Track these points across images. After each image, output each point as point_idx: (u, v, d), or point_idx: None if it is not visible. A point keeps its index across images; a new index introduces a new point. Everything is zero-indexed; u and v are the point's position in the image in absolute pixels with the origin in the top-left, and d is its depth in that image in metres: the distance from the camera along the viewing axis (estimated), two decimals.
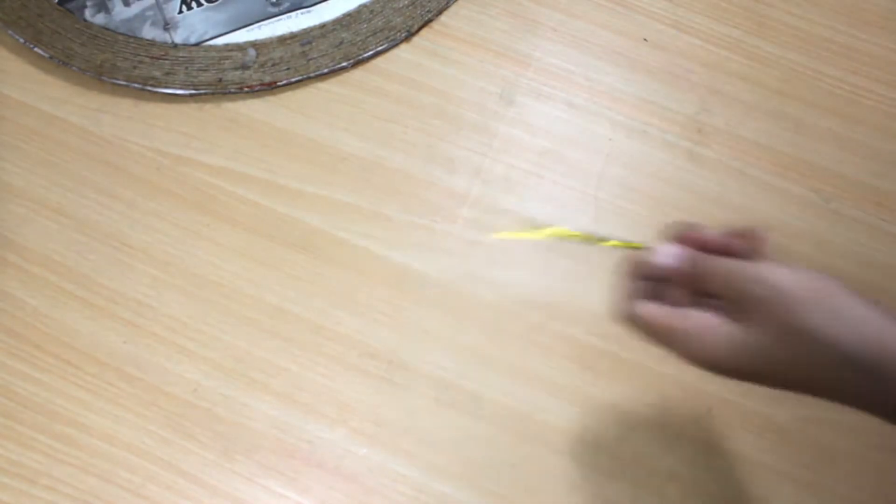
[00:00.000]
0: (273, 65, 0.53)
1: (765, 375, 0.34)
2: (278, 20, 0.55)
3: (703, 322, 0.35)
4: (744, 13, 0.57)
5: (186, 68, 0.53)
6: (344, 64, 0.53)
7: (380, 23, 0.55)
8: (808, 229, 0.51)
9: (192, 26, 0.54)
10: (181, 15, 0.54)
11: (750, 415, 0.47)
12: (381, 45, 0.54)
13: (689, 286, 0.37)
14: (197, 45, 0.54)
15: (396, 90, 0.53)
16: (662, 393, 0.47)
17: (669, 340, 0.36)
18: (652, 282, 0.39)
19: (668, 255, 0.39)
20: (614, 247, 0.43)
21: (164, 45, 0.53)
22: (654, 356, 0.48)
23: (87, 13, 0.54)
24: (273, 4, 0.55)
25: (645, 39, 0.56)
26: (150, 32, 0.54)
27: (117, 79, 0.52)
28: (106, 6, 0.54)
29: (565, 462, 0.45)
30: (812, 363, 0.32)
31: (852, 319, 0.32)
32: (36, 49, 0.53)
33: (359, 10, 0.55)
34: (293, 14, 0.55)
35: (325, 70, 0.53)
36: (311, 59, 0.53)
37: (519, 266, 0.49)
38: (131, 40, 0.53)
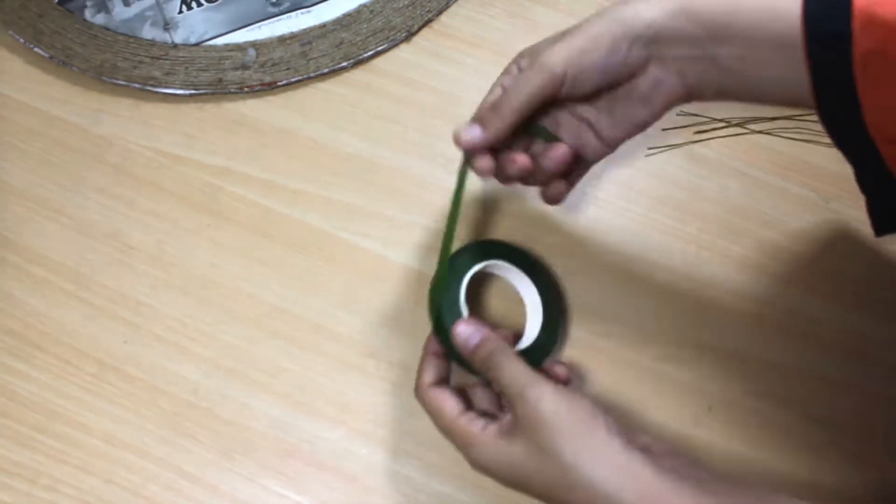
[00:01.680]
0: (273, 65, 0.53)
1: (531, 492, 0.36)
2: (278, 20, 0.55)
3: (481, 434, 0.37)
4: None
5: (186, 68, 0.53)
6: (344, 64, 0.53)
7: (380, 23, 0.55)
8: (808, 229, 0.51)
9: (192, 26, 0.54)
10: (181, 15, 0.54)
11: (750, 414, 0.47)
12: (381, 45, 0.54)
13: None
14: (197, 45, 0.54)
15: (396, 90, 0.53)
16: (662, 392, 0.47)
17: (450, 437, 0.39)
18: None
19: (465, 335, 0.41)
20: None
21: (164, 45, 0.53)
22: (655, 356, 0.48)
23: (87, 13, 0.54)
24: (273, 4, 0.55)
25: None
26: (150, 32, 0.54)
27: (117, 79, 0.52)
28: (106, 6, 0.54)
29: None
30: (564, 487, 0.35)
31: (601, 455, 0.35)
32: (36, 49, 0.53)
33: (359, 10, 0.55)
34: (293, 14, 0.55)
35: (325, 70, 0.53)
36: (311, 59, 0.53)
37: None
38: (131, 40, 0.54)
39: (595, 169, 0.52)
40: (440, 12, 0.55)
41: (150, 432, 0.45)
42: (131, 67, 0.53)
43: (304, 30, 0.54)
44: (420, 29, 0.55)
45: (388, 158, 0.52)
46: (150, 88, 0.52)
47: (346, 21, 0.55)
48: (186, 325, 0.47)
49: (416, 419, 0.46)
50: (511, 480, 0.36)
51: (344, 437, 0.46)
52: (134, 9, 0.54)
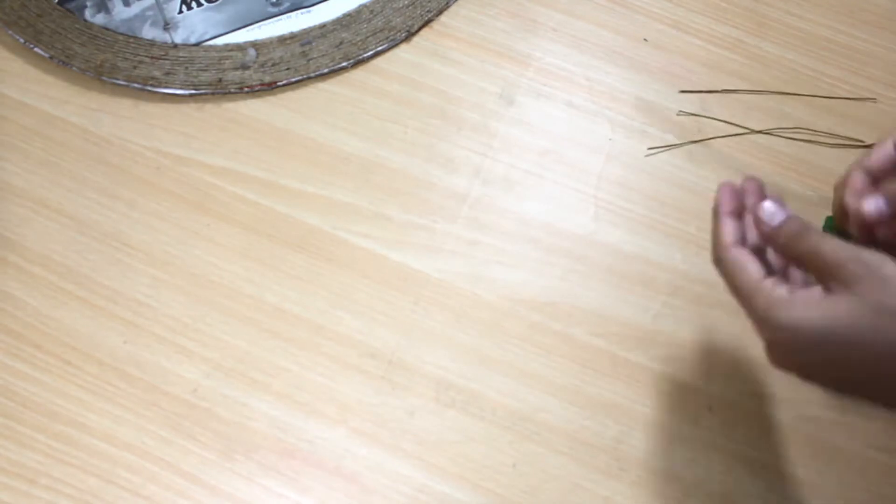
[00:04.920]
0: (273, 65, 0.53)
1: (850, 358, 0.34)
2: (278, 20, 0.55)
3: (790, 295, 0.35)
4: (744, 13, 0.57)
5: (186, 68, 0.53)
6: (344, 64, 0.53)
7: (380, 23, 0.55)
8: None
9: (192, 26, 0.54)
10: (181, 15, 0.54)
11: (750, 414, 0.47)
12: (381, 45, 0.54)
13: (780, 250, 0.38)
14: (197, 45, 0.54)
15: (396, 90, 0.53)
16: (662, 393, 0.47)
17: (750, 299, 0.37)
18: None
19: (770, 210, 0.38)
20: None
21: (164, 45, 0.53)
22: (654, 356, 0.48)
23: (87, 13, 0.54)
24: (273, 4, 0.55)
25: (645, 39, 0.56)
26: (150, 32, 0.54)
27: (117, 79, 0.52)
28: (106, 6, 0.54)
29: (565, 462, 0.45)
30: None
31: None
32: (36, 49, 0.53)
33: (359, 10, 0.55)
34: (293, 14, 0.55)
35: (325, 70, 0.53)
36: (311, 59, 0.53)
37: (519, 266, 0.49)
38: (131, 40, 0.54)
39: (595, 169, 0.52)
40: (440, 12, 0.55)
41: (150, 432, 0.45)
42: (131, 67, 0.53)
43: (304, 30, 0.54)
44: (420, 29, 0.55)
45: (388, 158, 0.52)
46: (150, 88, 0.52)
47: (346, 21, 0.55)
48: (186, 325, 0.47)
49: (416, 419, 0.46)
50: (826, 342, 0.34)
51: (344, 437, 0.46)
52: (134, 9, 0.54)
